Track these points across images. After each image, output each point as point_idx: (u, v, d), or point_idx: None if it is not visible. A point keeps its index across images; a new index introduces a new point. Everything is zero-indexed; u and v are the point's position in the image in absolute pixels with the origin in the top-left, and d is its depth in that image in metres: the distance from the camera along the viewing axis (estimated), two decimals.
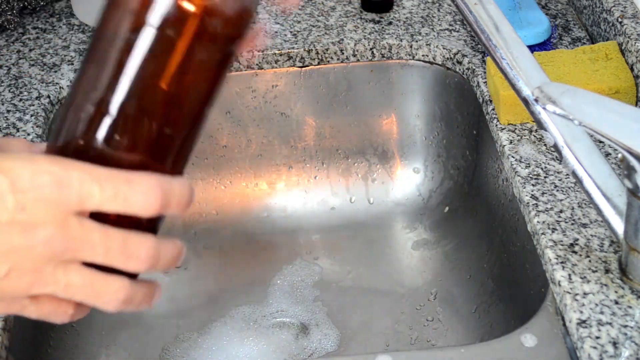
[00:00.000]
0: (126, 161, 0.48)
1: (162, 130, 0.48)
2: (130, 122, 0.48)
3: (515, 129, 0.88)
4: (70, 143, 0.48)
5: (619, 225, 0.69)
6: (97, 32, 0.49)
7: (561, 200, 0.79)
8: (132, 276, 0.49)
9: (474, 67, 0.97)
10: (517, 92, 0.72)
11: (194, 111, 0.50)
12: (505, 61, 0.72)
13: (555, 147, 0.69)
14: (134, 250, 0.47)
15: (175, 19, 0.47)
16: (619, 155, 0.65)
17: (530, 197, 0.80)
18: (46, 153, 0.49)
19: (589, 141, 0.70)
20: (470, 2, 0.74)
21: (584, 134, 0.70)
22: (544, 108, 0.61)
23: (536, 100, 0.61)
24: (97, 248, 0.46)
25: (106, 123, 0.47)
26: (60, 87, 0.98)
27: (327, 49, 1.02)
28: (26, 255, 0.45)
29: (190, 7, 0.47)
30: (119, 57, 0.47)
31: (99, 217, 0.47)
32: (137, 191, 0.46)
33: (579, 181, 0.69)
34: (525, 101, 0.71)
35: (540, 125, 0.70)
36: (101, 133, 0.48)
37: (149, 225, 0.49)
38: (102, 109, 0.47)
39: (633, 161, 0.62)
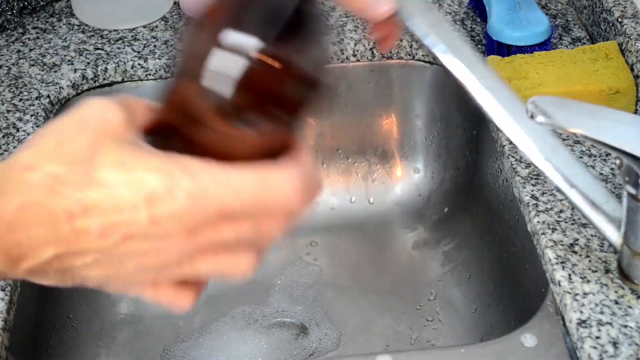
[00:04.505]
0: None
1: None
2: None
3: None
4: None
5: (612, 232, 0.69)
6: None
7: (561, 200, 0.79)
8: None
9: None
10: (489, 116, 0.70)
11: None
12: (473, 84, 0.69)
13: (535, 164, 0.68)
14: (265, 238, 0.47)
15: None
16: (617, 162, 0.65)
17: (530, 197, 0.80)
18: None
19: (567, 153, 0.69)
20: (424, 29, 0.71)
21: (562, 146, 0.69)
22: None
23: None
24: (228, 245, 0.46)
25: None
26: (60, 87, 0.98)
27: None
28: (154, 258, 0.45)
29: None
30: None
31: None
32: (279, 199, 0.45)
33: (564, 194, 0.68)
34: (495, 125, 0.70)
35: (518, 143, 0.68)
36: None
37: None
38: None
39: (635, 167, 0.62)
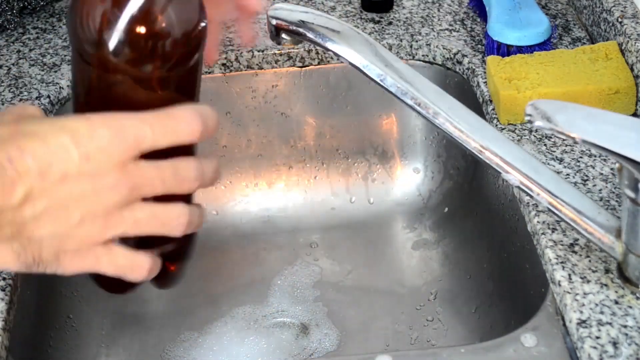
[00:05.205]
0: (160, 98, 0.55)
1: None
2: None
3: (515, 128, 0.88)
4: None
5: (611, 242, 0.68)
6: None
7: None
8: (187, 201, 0.57)
9: (474, 67, 0.97)
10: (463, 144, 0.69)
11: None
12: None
13: (521, 187, 0.67)
14: (184, 174, 0.54)
15: None
16: (617, 165, 0.65)
17: (530, 197, 0.79)
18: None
19: (550, 171, 0.68)
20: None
21: (542, 166, 0.68)
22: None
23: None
24: (155, 182, 0.52)
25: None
26: (60, 87, 0.98)
27: None
28: (96, 201, 0.51)
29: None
30: None
31: (148, 156, 0.53)
32: (182, 122, 0.53)
33: (556, 211, 0.67)
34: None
35: (501, 168, 0.68)
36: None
37: (188, 152, 0.56)
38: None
39: (635, 172, 0.62)
